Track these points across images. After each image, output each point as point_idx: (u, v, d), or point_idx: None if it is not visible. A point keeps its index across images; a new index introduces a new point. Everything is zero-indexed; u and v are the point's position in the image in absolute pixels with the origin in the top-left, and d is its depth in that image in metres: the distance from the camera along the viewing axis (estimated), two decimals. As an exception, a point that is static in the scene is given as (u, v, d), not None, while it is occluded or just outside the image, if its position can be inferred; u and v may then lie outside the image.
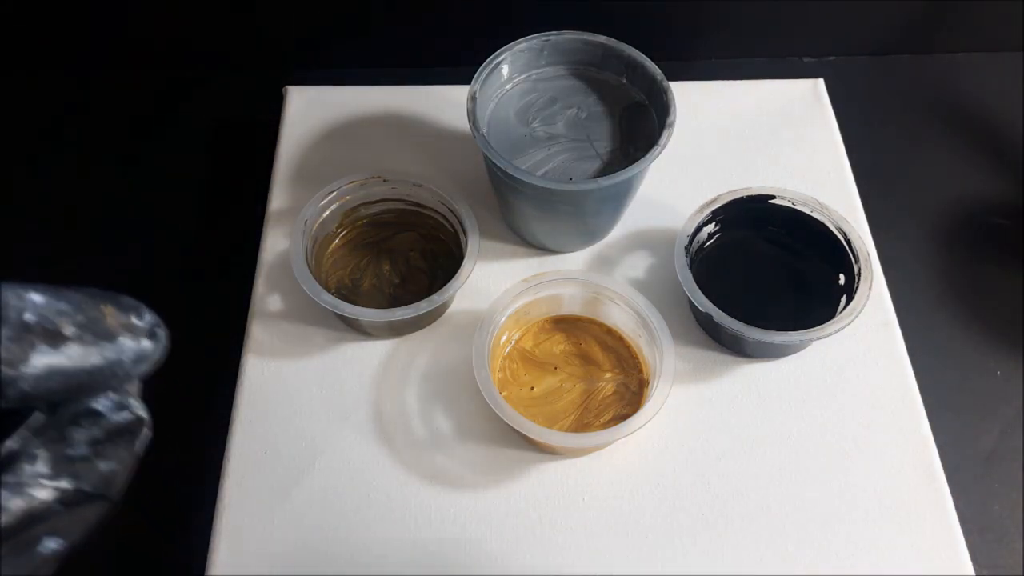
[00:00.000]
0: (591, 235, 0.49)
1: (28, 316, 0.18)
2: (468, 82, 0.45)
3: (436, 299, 0.43)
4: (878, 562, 0.40)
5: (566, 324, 0.46)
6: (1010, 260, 0.55)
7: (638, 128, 0.46)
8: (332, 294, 0.43)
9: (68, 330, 0.19)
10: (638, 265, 0.49)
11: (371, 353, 0.45)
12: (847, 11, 0.60)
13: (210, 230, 0.55)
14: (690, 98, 0.52)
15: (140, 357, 0.21)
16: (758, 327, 0.42)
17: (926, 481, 0.42)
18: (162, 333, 0.22)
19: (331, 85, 0.55)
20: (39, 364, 0.18)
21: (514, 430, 0.41)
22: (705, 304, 0.43)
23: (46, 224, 0.56)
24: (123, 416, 0.21)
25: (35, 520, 0.19)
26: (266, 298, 0.47)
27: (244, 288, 0.47)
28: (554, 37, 0.47)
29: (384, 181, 0.47)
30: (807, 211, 0.47)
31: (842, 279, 0.46)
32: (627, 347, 0.45)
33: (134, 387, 0.21)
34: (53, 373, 0.19)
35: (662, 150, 0.43)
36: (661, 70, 0.45)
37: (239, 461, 0.42)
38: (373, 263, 0.48)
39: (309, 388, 0.44)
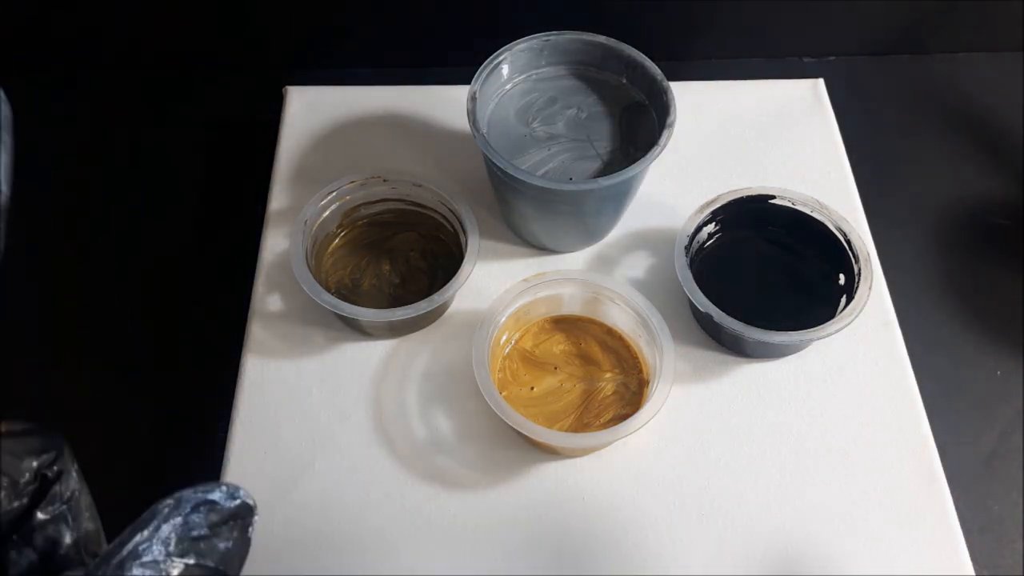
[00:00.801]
0: (591, 235, 0.49)
1: None
2: (468, 82, 0.45)
3: (436, 299, 0.43)
4: (878, 562, 0.40)
5: (566, 324, 0.46)
6: (1010, 260, 0.55)
7: (638, 128, 0.46)
8: (332, 294, 0.43)
9: None
10: (638, 265, 0.49)
11: (371, 353, 0.45)
12: (847, 11, 0.60)
13: (210, 230, 0.55)
14: (690, 98, 0.52)
15: None
16: (758, 327, 0.42)
17: (926, 481, 0.42)
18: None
19: (331, 85, 0.55)
20: None
21: (514, 430, 0.41)
22: (705, 304, 0.43)
23: (46, 224, 0.56)
24: (235, 504, 0.24)
25: None
26: (266, 298, 0.47)
27: (244, 288, 0.47)
28: (554, 37, 0.47)
29: (384, 181, 0.47)
30: (807, 211, 0.47)
31: (842, 279, 0.46)
32: (627, 347, 0.45)
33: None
34: None
35: (662, 150, 0.43)
36: (661, 70, 0.46)
37: (239, 461, 0.42)
38: (373, 263, 0.48)
39: (309, 388, 0.44)
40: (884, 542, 0.41)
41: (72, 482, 0.25)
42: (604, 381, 0.44)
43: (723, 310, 0.43)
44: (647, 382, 0.44)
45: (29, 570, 0.24)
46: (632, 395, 0.44)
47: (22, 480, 0.24)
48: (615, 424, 0.40)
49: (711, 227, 0.48)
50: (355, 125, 0.53)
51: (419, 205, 0.48)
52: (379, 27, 0.60)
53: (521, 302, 0.44)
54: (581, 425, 0.43)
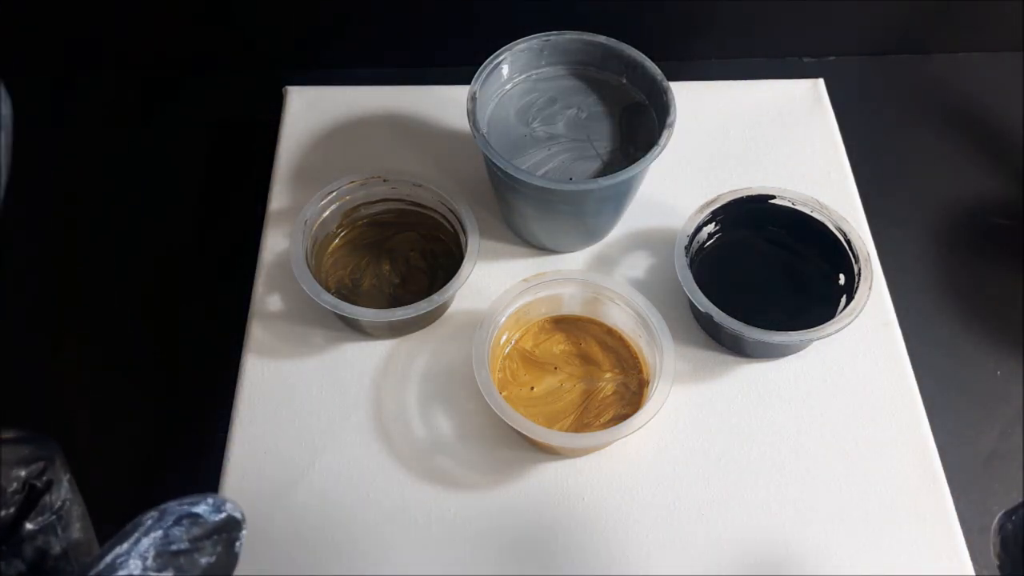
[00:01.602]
0: (591, 235, 0.49)
1: None
2: (468, 82, 0.45)
3: (436, 299, 0.43)
4: (878, 562, 0.40)
5: (566, 324, 0.46)
6: (1010, 260, 0.55)
7: (638, 128, 0.46)
8: (332, 294, 0.43)
9: None
10: (638, 265, 0.49)
11: (371, 353, 0.45)
12: (847, 11, 0.60)
13: (210, 230, 0.55)
14: (690, 98, 0.52)
15: None
16: (758, 327, 0.42)
17: (926, 481, 0.42)
18: None
19: (331, 85, 0.55)
20: None
21: (514, 430, 0.41)
22: (705, 304, 0.43)
23: (46, 224, 0.56)
24: (220, 517, 0.24)
25: None
26: (266, 298, 0.47)
27: (244, 288, 0.47)
28: (554, 37, 0.47)
29: (384, 181, 0.47)
30: (807, 211, 0.47)
31: (842, 279, 0.46)
32: (627, 347, 0.45)
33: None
34: None
35: (662, 150, 0.43)
36: (661, 70, 0.46)
37: (239, 461, 0.42)
38: (373, 263, 0.48)
39: (309, 388, 0.44)
40: (884, 542, 0.41)
41: (63, 492, 0.25)
42: (604, 381, 0.44)
43: (723, 310, 0.43)
44: (647, 382, 0.44)
45: None
46: (632, 395, 0.44)
47: (9, 489, 0.24)
48: (615, 424, 0.40)
49: (711, 227, 0.48)
50: (355, 125, 0.53)
51: (419, 205, 0.48)
52: (379, 27, 0.60)
53: (521, 302, 0.44)
54: (581, 425, 0.43)
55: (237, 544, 0.24)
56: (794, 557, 0.40)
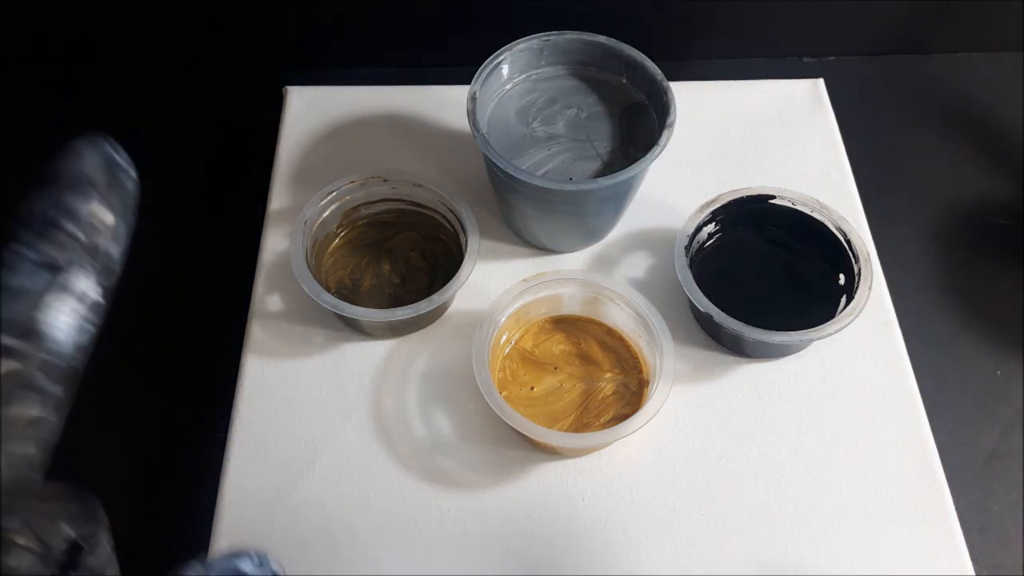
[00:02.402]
0: (591, 235, 0.49)
1: None
2: (468, 82, 0.45)
3: (436, 299, 0.43)
4: (878, 562, 0.40)
5: (566, 324, 0.46)
6: (1010, 260, 0.55)
7: (638, 128, 0.46)
8: (332, 294, 0.43)
9: None
10: (638, 265, 0.49)
11: (371, 353, 0.45)
12: (847, 11, 0.60)
13: (210, 230, 0.55)
14: (690, 98, 0.52)
15: None
16: (758, 327, 0.42)
17: (926, 481, 0.42)
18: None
19: (331, 85, 0.55)
20: None
21: (514, 430, 0.41)
22: (705, 304, 0.43)
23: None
24: (264, 571, 0.24)
25: None
26: (266, 298, 0.47)
27: (244, 288, 0.47)
28: (554, 37, 0.47)
29: (384, 181, 0.47)
30: (807, 211, 0.47)
31: (842, 279, 0.46)
32: (627, 347, 0.45)
33: None
34: None
35: (662, 150, 0.43)
36: (661, 70, 0.46)
37: (239, 461, 0.42)
38: (373, 263, 0.48)
39: (309, 388, 0.44)
40: (884, 542, 0.41)
41: (104, 555, 0.24)
42: (604, 381, 0.44)
43: (723, 310, 0.43)
44: (647, 382, 0.44)
45: None
46: (632, 395, 0.44)
47: (58, 550, 0.23)
48: (615, 424, 0.40)
49: (711, 227, 0.48)
50: (355, 125, 0.53)
51: (419, 205, 0.48)
52: (379, 27, 0.60)
53: (521, 302, 0.44)
54: (581, 425, 0.43)
55: None
56: (794, 557, 0.40)
